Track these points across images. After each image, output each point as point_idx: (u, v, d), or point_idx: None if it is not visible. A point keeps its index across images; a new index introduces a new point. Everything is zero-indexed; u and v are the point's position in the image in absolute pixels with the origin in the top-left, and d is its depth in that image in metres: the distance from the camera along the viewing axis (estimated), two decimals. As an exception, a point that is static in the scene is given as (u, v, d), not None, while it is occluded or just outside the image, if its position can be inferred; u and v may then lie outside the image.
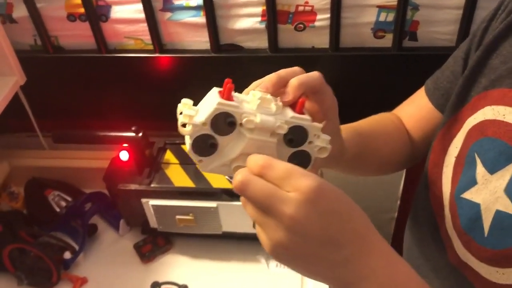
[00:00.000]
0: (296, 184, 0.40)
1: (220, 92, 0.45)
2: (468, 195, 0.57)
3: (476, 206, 0.55)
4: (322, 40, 0.92)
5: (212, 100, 0.44)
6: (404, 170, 1.14)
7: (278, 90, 0.48)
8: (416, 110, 0.76)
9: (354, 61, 0.94)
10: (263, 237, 0.43)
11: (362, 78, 0.97)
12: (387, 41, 0.90)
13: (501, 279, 0.53)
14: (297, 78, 0.48)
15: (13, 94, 0.97)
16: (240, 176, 0.41)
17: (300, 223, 0.39)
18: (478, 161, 0.57)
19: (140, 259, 0.94)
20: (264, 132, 0.45)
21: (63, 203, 0.99)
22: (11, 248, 0.88)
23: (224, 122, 0.44)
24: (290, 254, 0.41)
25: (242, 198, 0.43)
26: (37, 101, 1.05)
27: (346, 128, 0.65)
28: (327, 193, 0.40)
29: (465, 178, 0.59)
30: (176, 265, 0.93)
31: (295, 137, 0.46)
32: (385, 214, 1.25)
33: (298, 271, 0.44)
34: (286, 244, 0.40)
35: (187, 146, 0.45)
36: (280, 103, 0.46)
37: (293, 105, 0.47)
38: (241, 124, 0.44)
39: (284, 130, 0.45)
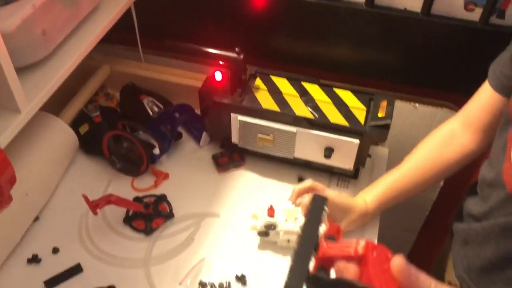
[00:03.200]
0: None
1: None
2: None
3: None
4: (414, 4, 1.00)
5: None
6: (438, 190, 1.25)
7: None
8: (476, 103, 0.86)
9: (441, 29, 1.01)
10: None
11: (446, 46, 1.05)
12: (476, 15, 0.98)
13: None
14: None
15: (127, 8, 1.09)
16: None
17: None
18: None
19: (216, 168, 1.06)
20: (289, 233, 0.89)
21: (156, 109, 1.11)
22: (110, 135, 1.01)
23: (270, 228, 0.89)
24: None
25: None
26: (144, 19, 1.17)
27: (377, 201, 0.90)
28: None
29: None
30: (246, 179, 1.05)
31: None
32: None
33: None
34: None
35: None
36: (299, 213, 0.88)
37: None
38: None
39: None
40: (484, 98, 0.83)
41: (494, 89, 0.80)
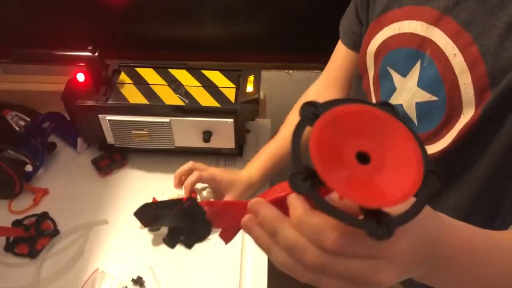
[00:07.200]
0: None
1: None
2: (392, 101, 0.69)
3: (400, 107, 0.68)
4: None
5: None
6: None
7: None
8: (335, 62, 0.88)
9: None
10: None
11: (306, 8, 1.06)
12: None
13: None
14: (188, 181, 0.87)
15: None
16: None
17: None
18: (392, 71, 0.69)
19: (98, 172, 1.02)
20: None
21: (22, 123, 1.04)
22: (-27, 161, 0.93)
23: None
24: None
25: None
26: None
27: (260, 170, 0.92)
28: None
29: (385, 89, 0.71)
30: (131, 178, 1.02)
31: None
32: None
33: None
34: None
35: None
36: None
37: None
38: None
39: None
40: (341, 56, 0.86)
41: (347, 46, 0.83)
